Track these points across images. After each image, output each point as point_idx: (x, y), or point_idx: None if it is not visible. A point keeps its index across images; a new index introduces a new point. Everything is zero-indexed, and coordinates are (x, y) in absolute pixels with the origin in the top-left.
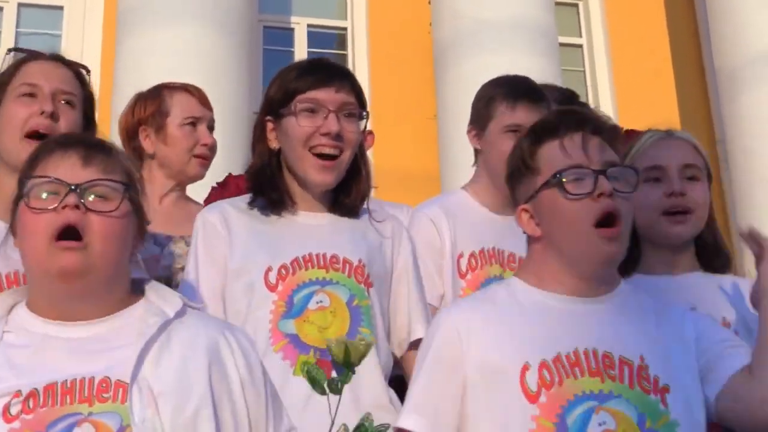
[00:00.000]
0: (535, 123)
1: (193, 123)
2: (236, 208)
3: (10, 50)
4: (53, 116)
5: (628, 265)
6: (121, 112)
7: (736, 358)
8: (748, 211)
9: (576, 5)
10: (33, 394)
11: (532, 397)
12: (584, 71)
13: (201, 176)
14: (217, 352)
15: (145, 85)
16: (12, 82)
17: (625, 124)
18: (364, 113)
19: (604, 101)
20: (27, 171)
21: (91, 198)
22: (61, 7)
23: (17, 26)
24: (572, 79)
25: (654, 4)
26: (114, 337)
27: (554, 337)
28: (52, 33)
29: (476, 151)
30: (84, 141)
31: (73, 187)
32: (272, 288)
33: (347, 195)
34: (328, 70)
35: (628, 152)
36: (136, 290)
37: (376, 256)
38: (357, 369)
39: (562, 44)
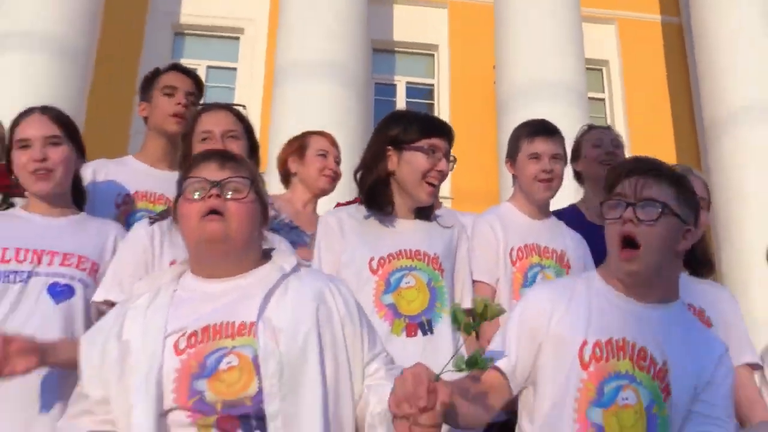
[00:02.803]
0: (618, 164)
1: (324, 155)
2: (348, 215)
3: (199, 105)
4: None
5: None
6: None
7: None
8: (725, 226)
9: (600, 70)
10: (194, 333)
11: (585, 366)
12: (605, 119)
13: (328, 191)
14: (323, 298)
15: (294, 128)
16: (195, 130)
17: None
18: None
19: None
20: (183, 175)
21: (228, 192)
22: (234, 68)
23: (206, 82)
24: None
25: (658, 70)
26: (248, 289)
27: (609, 325)
28: (229, 86)
29: (513, 176)
30: (219, 153)
31: (214, 182)
32: (374, 272)
33: (429, 208)
34: (443, 125)
35: None
36: (267, 257)
37: (447, 252)
38: (435, 328)
39: (589, 98)
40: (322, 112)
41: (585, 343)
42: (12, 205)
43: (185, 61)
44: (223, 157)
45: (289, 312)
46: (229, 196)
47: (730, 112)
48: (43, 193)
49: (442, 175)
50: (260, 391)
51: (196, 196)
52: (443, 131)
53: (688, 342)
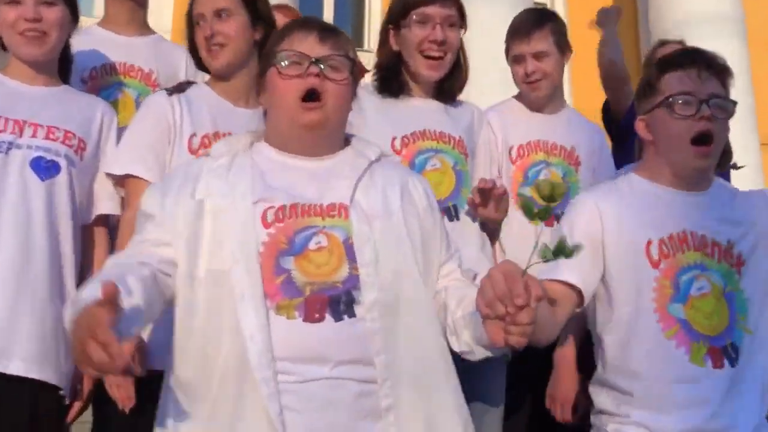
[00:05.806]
0: (665, 55)
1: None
2: (367, 91)
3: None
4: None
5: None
6: None
7: None
8: None
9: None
10: (281, 207)
11: (655, 264)
12: None
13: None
14: (407, 187)
15: None
16: (279, 45)
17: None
18: (463, 22)
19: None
20: (273, 46)
21: (327, 68)
22: None
23: None
24: None
25: None
26: (335, 170)
27: (665, 220)
28: None
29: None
30: (319, 23)
31: (314, 60)
32: (398, 152)
33: (450, 83)
34: None
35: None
36: (346, 141)
37: (469, 135)
38: (461, 214)
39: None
40: None
41: (650, 242)
42: None
43: None
44: (322, 28)
45: (380, 199)
46: (329, 75)
47: (675, 23)
48: (31, 58)
49: (441, 44)
50: (351, 277)
51: (291, 71)
52: None
53: (733, 211)
